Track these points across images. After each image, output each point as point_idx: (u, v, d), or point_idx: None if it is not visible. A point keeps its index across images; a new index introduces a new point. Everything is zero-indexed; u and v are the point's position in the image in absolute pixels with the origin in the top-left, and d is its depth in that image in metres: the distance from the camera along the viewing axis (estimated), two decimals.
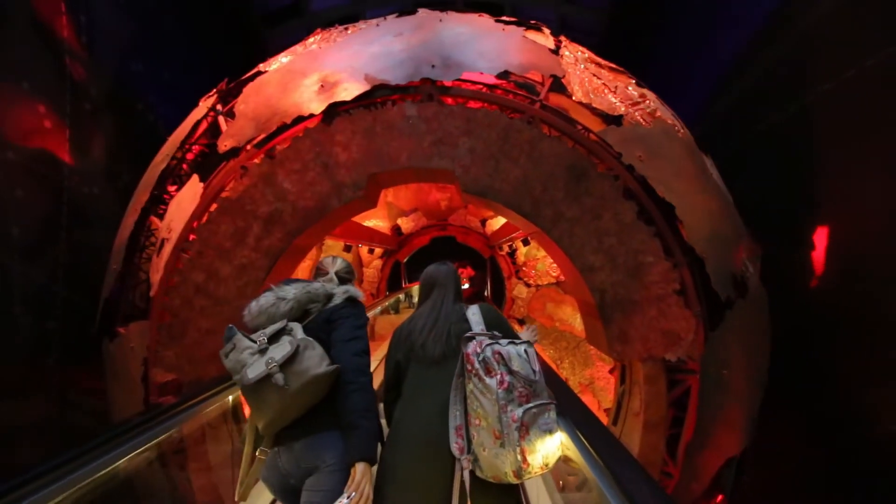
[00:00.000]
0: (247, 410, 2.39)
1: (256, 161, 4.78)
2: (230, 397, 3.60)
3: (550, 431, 1.61)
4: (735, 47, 7.83)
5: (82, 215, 7.18)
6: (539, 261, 12.65)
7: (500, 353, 1.66)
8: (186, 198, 5.16)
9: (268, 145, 4.91)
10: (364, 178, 4.64)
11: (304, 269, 8.61)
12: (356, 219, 11.60)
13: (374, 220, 12.42)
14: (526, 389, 1.62)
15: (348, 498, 1.57)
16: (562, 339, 12.49)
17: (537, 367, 1.70)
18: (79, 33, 7.38)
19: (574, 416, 1.91)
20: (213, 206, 4.78)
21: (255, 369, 1.73)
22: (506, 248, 12.63)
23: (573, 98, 5.23)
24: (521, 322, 12.88)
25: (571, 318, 12.43)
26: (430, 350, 1.91)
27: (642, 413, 4.52)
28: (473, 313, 1.98)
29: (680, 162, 5.30)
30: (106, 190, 7.86)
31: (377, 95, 4.84)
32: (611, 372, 11.57)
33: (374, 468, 1.79)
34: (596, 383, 11.50)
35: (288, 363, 1.73)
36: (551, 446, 1.61)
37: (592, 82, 5.64)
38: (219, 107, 5.74)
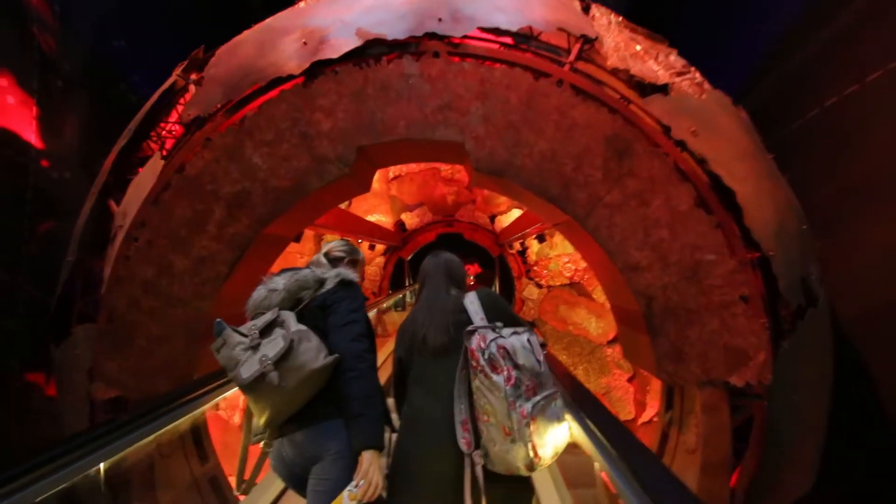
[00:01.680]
0: None
1: (222, 131, 3.79)
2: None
3: (559, 419, 1.58)
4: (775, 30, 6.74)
5: (51, 203, 6.25)
6: (552, 260, 11.60)
7: (504, 348, 1.57)
8: (146, 178, 4.18)
9: (238, 113, 3.91)
10: (351, 152, 3.63)
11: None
12: (357, 212, 10.63)
13: (378, 215, 11.42)
14: (532, 382, 1.56)
15: (357, 486, 1.51)
16: (575, 343, 11.44)
17: (541, 357, 1.63)
18: (50, 2, 6.44)
19: (582, 403, 1.82)
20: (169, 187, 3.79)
21: (249, 368, 1.59)
22: (516, 246, 11.59)
23: (607, 64, 4.19)
24: (533, 325, 11.83)
25: (586, 321, 11.37)
26: (431, 344, 1.81)
27: (699, 451, 3.48)
28: (471, 302, 1.85)
29: (739, 141, 4.24)
30: (80, 176, 6.86)
31: (370, 54, 3.83)
32: (629, 381, 10.51)
33: (385, 459, 1.71)
34: (613, 393, 10.44)
35: (283, 360, 1.61)
36: (560, 435, 1.58)
37: (629, 47, 4.58)
38: (193, 76, 4.75)
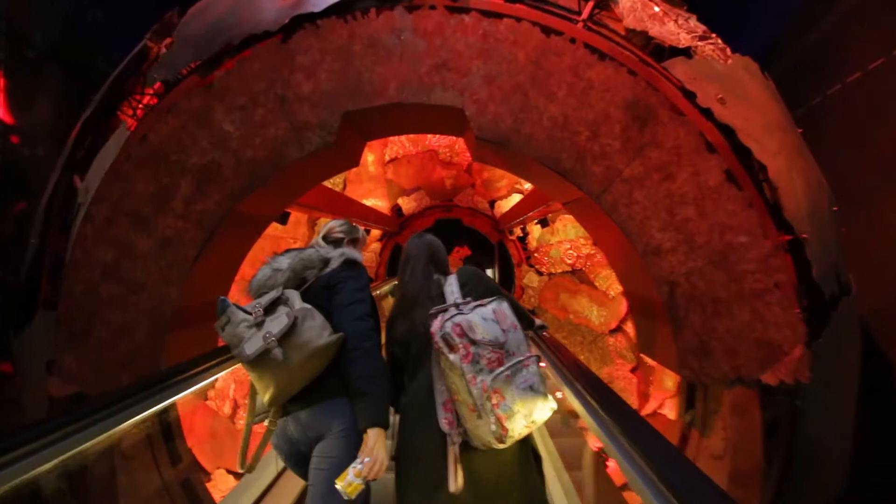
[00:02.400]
0: None
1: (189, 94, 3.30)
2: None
3: (532, 387, 1.48)
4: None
5: (22, 182, 5.78)
6: (553, 247, 11.15)
7: (460, 326, 1.51)
8: (110, 150, 3.69)
9: (209, 77, 3.42)
10: (335, 118, 3.15)
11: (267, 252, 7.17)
12: (352, 196, 10.15)
13: (373, 200, 10.93)
14: (496, 354, 1.49)
15: (362, 463, 1.47)
16: (576, 332, 11.04)
17: (507, 325, 1.54)
18: None
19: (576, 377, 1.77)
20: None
21: (253, 345, 1.56)
22: (517, 232, 11.13)
23: (623, 24, 3.70)
24: (533, 313, 11.43)
25: (587, 309, 10.96)
26: (417, 332, 1.75)
27: (728, 458, 3.07)
28: (450, 283, 1.78)
29: (769, 111, 3.77)
30: (54, 153, 6.33)
31: (357, 7, 3.33)
32: (633, 371, 10.14)
33: (390, 441, 1.71)
34: (615, 383, 10.07)
35: (287, 336, 1.56)
36: (533, 402, 1.48)
37: (647, 8, 4.09)
38: (167, 41, 4.24)
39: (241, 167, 3.20)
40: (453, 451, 1.56)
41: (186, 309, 3.28)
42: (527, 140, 3.12)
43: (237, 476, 8.27)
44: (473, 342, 1.51)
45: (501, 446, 1.52)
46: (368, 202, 10.69)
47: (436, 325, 1.58)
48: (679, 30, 3.98)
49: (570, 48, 3.12)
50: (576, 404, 1.73)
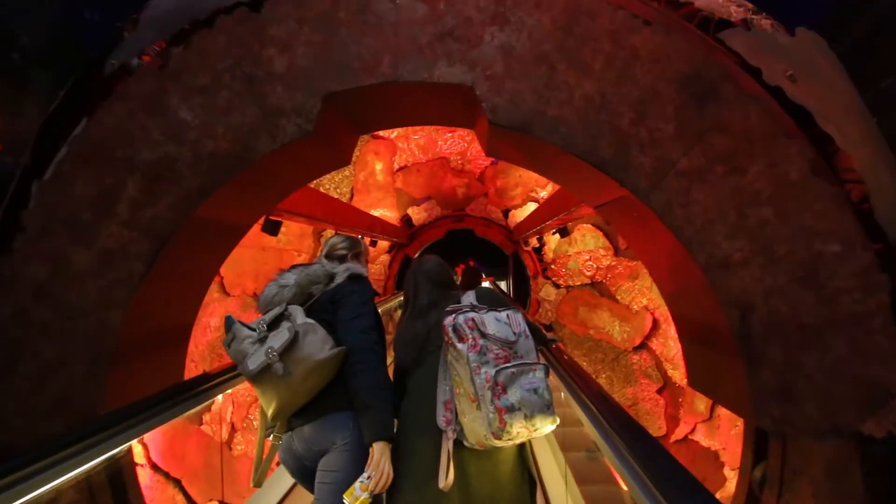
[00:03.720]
0: None
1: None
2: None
3: (536, 391, 1.45)
4: None
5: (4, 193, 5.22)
6: (571, 258, 10.37)
7: (472, 320, 1.55)
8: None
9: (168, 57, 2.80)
10: (315, 102, 2.50)
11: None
12: (360, 206, 9.54)
13: (382, 210, 10.31)
14: (504, 351, 1.51)
15: (369, 477, 1.48)
16: (597, 349, 10.21)
17: (519, 331, 1.57)
18: None
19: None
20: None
21: (255, 360, 1.58)
22: (532, 243, 10.39)
23: None
24: (549, 328, 10.62)
25: (609, 325, 10.13)
26: (429, 342, 1.79)
27: None
28: (467, 296, 1.81)
29: (844, 92, 3.04)
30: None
31: None
32: (659, 392, 9.26)
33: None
34: (640, 405, 9.21)
35: (288, 351, 1.58)
36: (536, 407, 1.43)
37: None
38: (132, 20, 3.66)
39: (200, 163, 2.55)
40: (446, 446, 1.54)
41: (133, 338, 2.63)
42: (554, 124, 2.42)
43: None
44: (484, 335, 1.51)
45: (498, 443, 1.46)
46: (377, 212, 10.06)
47: (449, 319, 1.59)
48: (728, 2, 3.28)
49: (606, 8, 2.43)
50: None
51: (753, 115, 2.41)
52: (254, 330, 1.65)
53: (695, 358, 2.88)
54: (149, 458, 6.45)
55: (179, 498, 6.74)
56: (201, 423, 7.89)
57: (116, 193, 2.56)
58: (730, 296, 2.37)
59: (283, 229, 9.65)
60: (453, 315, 1.60)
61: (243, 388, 9.17)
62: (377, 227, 7.85)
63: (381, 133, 9.32)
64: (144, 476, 6.31)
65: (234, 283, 8.62)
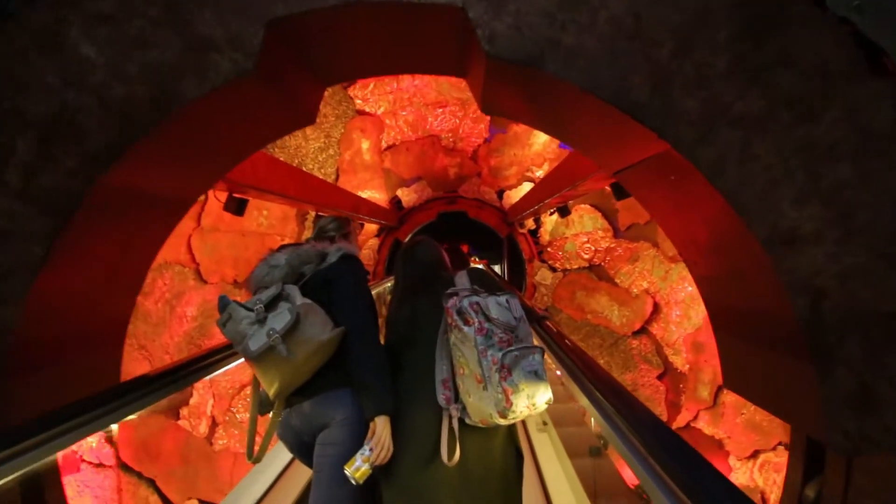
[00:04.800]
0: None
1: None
2: None
3: (536, 373, 1.53)
4: None
5: None
6: (568, 240, 9.83)
7: (477, 304, 1.59)
8: None
9: None
10: (256, 30, 1.87)
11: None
12: (347, 187, 8.89)
13: (370, 191, 9.66)
14: (507, 335, 1.56)
15: (371, 450, 1.52)
16: (595, 334, 9.72)
17: (518, 315, 1.64)
18: None
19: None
20: None
21: (257, 341, 1.55)
22: (528, 225, 9.82)
23: None
24: (544, 317, 10.11)
25: (607, 309, 9.64)
26: (420, 318, 1.82)
27: None
28: (460, 276, 1.82)
29: None
30: None
31: None
32: (659, 378, 8.82)
33: None
34: (640, 391, 8.76)
35: (290, 332, 1.57)
36: (537, 388, 1.53)
37: None
38: None
39: (109, 114, 1.93)
40: (448, 424, 1.58)
41: (37, 340, 2.04)
42: (571, 56, 1.81)
43: None
44: (488, 319, 1.56)
45: (503, 422, 1.53)
46: (365, 194, 9.41)
47: (452, 302, 1.63)
48: None
49: None
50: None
51: (828, 46, 1.83)
52: (251, 310, 1.60)
53: (736, 354, 2.33)
54: (118, 459, 5.92)
55: (154, 499, 6.23)
56: (178, 418, 7.34)
57: (3, 157, 1.94)
58: (797, 278, 1.81)
59: (264, 212, 9.05)
60: (456, 298, 1.62)
61: (224, 379, 8.53)
62: (363, 208, 7.23)
63: (366, 108, 8.64)
64: (113, 479, 5.78)
65: (211, 269, 7.98)
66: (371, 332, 1.69)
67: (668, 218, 2.31)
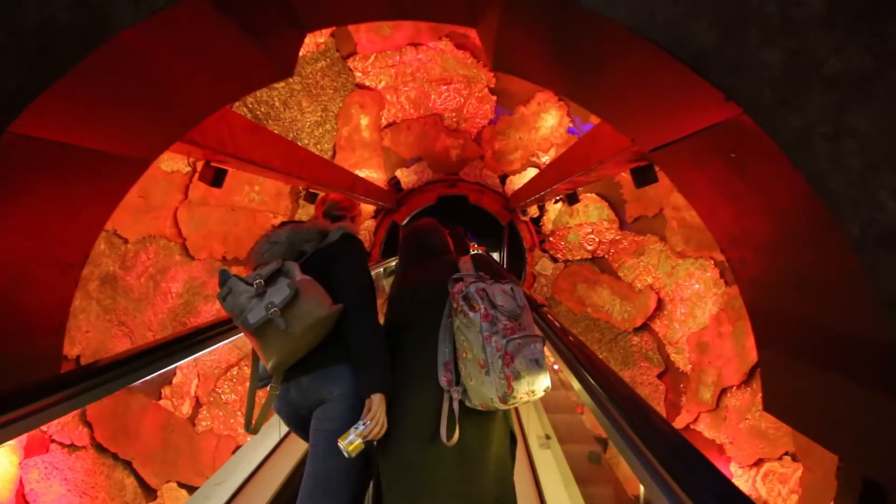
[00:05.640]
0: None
1: None
2: None
3: (537, 361, 1.56)
4: None
5: None
6: (571, 230, 9.40)
7: (483, 290, 1.61)
8: None
9: None
10: None
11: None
12: (344, 166, 8.40)
13: (367, 170, 9.19)
14: (511, 323, 1.57)
15: (365, 425, 1.54)
16: (594, 328, 9.35)
17: (522, 303, 1.65)
18: None
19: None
20: None
21: (256, 314, 1.56)
22: (531, 212, 9.38)
23: None
24: (543, 305, 9.73)
25: (608, 303, 9.25)
26: (422, 297, 1.83)
27: None
28: (464, 262, 1.87)
29: None
30: None
31: None
32: (660, 377, 8.48)
33: None
34: (639, 389, 8.41)
35: (288, 307, 1.58)
36: (537, 374, 1.55)
37: None
38: None
39: (21, 47, 1.48)
40: (448, 405, 1.60)
41: None
42: None
43: (190, 490, 6.72)
44: (493, 306, 1.57)
45: (502, 406, 1.57)
46: (362, 173, 8.94)
47: (458, 287, 1.64)
48: None
49: None
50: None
51: None
52: (251, 284, 1.61)
53: (786, 377, 1.93)
54: (92, 440, 5.56)
55: (130, 481, 5.89)
56: (160, 398, 6.98)
57: None
58: (893, 288, 1.40)
59: (256, 188, 8.57)
60: (462, 283, 1.65)
61: (210, 359, 8.16)
62: (359, 187, 6.77)
63: (366, 82, 8.12)
64: (86, 461, 5.43)
65: (199, 245, 7.55)
66: (369, 311, 1.71)
67: (717, 206, 1.88)
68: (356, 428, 1.53)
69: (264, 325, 1.55)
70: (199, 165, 4.76)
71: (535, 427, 2.99)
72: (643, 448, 1.20)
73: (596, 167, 3.66)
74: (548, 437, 2.90)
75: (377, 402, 1.57)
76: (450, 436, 1.53)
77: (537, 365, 1.54)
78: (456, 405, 1.59)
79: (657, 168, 3.00)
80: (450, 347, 1.66)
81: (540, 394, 1.58)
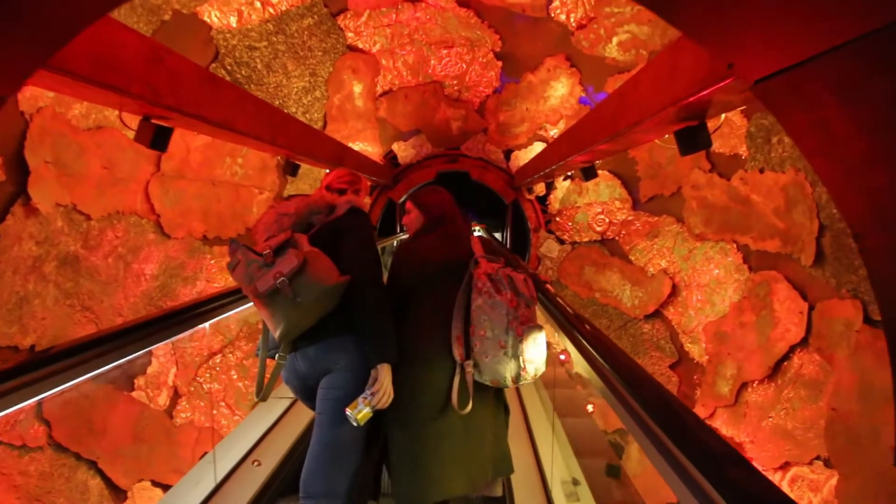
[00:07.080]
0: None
1: None
2: None
3: (542, 347, 1.66)
4: None
5: None
6: (580, 210, 8.67)
7: (509, 276, 1.70)
8: None
9: None
10: None
11: None
12: (337, 137, 7.62)
13: (361, 143, 8.41)
14: (528, 311, 1.68)
15: (372, 394, 1.58)
16: (602, 315, 8.71)
17: (534, 294, 1.75)
18: None
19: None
20: None
21: (265, 283, 1.61)
22: (537, 190, 8.64)
23: None
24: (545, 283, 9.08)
25: (618, 288, 8.58)
26: (436, 267, 1.87)
27: None
28: (474, 243, 1.93)
29: None
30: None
31: None
32: (672, 367, 7.88)
33: None
34: None
35: (296, 276, 1.61)
36: (542, 361, 1.67)
37: None
38: None
39: None
40: (461, 377, 1.67)
41: None
42: None
43: (164, 488, 6.16)
44: (517, 293, 1.67)
45: (511, 385, 1.68)
46: (356, 146, 8.17)
47: (484, 268, 1.73)
48: None
49: None
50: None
51: None
52: (260, 255, 1.64)
53: None
54: (49, 439, 4.98)
55: (95, 482, 5.32)
56: (133, 389, 6.38)
57: None
58: None
59: (238, 160, 7.78)
60: (489, 265, 1.73)
61: (190, 346, 7.54)
62: (348, 158, 6.02)
63: (359, 44, 7.28)
64: (41, 462, 4.85)
65: (175, 223, 6.83)
66: (376, 283, 1.73)
67: (868, 165, 1.19)
68: (364, 397, 1.58)
69: (273, 293, 1.58)
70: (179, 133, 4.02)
71: (559, 471, 2.35)
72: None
73: (627, 130, 2.94)
74: (576, 482, 2.27)
75: (383, 373, 1.62)
76: (463, 406, 1.61)
77: (544, 350, 1.66)
78: (469, 378, 1.66)
79: (765, 109, 2.26)
80: (462, 322, 1.71)
81: (539, 375, 1.69)
